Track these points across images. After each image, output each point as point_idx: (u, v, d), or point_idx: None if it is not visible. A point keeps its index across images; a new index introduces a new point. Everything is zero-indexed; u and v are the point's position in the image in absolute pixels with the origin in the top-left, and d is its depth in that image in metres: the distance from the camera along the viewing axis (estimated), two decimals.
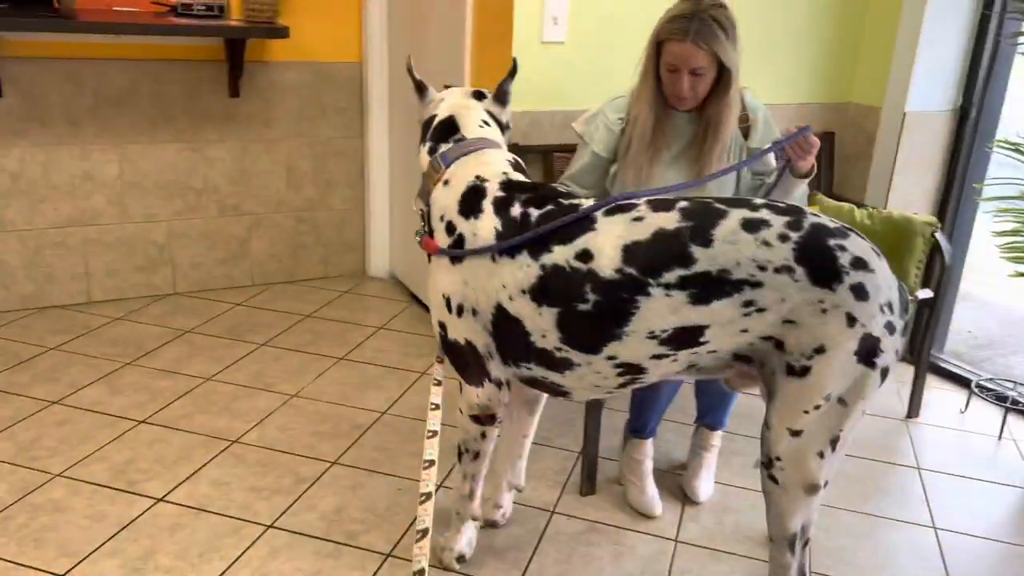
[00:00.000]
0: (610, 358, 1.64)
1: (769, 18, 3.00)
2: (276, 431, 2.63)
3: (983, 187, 2.93)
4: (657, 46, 2.10)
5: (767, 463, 1.65)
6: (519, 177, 1.80)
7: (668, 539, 2.23)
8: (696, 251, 1.52)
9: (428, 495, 1.67)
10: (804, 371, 1.53)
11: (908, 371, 3.13)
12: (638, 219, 1.59)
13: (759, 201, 1.58)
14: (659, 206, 1.61)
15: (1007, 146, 2.63)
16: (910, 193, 3.16)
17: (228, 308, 3.60)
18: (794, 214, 1.54)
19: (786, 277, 1.50)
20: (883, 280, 1.52)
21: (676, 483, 2.47)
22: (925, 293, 2.85)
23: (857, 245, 1.53)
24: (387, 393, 2.92)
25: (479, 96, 1.99)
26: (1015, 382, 3.10)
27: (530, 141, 2.70)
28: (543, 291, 1.63)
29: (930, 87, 3.04)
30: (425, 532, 1.61)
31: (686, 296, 1.53)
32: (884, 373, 1.55)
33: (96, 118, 3.37)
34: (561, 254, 1.62)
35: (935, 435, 2.87)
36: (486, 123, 1.93)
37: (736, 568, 2.13)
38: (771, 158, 2.19)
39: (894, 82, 3.06)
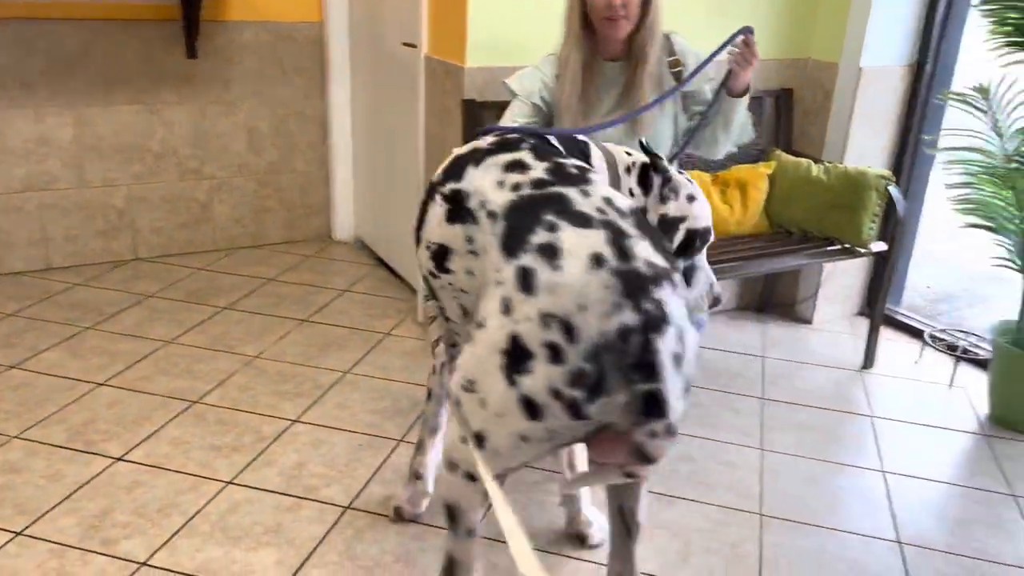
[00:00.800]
0: (421, 272, 1.64)
1: None
2: (237, 391, 2.63)
3: (935, 139, 2.97)
4: None
5: None
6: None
7: None
8: (467, 169, 1.50)
9: None
10: (468, 339, 1.33)
11: (863, 323, 3.19)
12: (482, 139, 1.61)
13: (563, 160, 1.44)
14: (507, 135, 1.61)
15: (955, 97, 2.66)
16: (867, 148, 3.18)
17: (190, 273, 3.57)
18: (561, 178, 1.36)
19: (490, 224, 1.35)
20: (572, 290, 1.19)
21: None
22: (879, 246, 2.89)
23: (573, 238, 1.24)
24: (350, 354, 2.93)
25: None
26: (966, 332, 3.17)
27: (487, 97, 2.69)
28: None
29: (886, 42, 3.06)
30: None
31: (446, 210, 1.49)
32: (526, 405, 1.21)
33: (49, 80, 3.31)
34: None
35: (889, 385, 2.94)
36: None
37: (688, 512, 2.18)
38: (706, 91, 2.20)
39: (850, 37, 3.07)
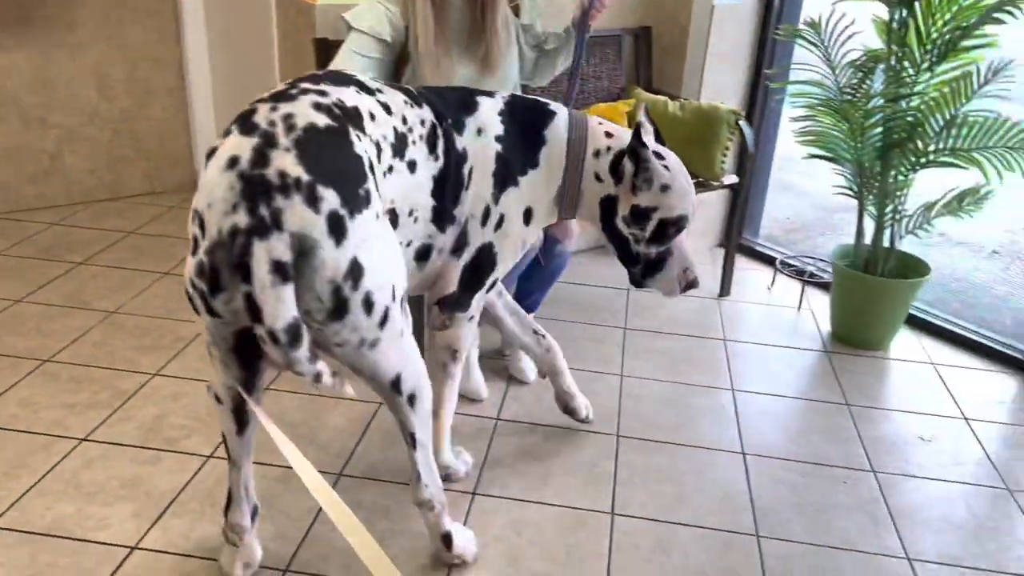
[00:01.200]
0: None
1: None
2: (92, 348, 2.54)
3: (778, 73, 3.09)
4: None
5: None
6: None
7: (490, 418, 2.34)
8: None
9: None
10: None
11: (720, 253, 3.35)
12: None
13: (307, 84, 1.45)
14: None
15: (792, 32, 2.78)
16: (722, 84, 3.30)
17: (43, 228, 3.39)
18: (273, 96, 1.39)
19: None
20: (207, 187, 1.27)
21: (502, 366, 2.57)
22: (731, 179, 3.02)
23: (230, 142, 1.30)
24: None
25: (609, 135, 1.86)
26: (814, 258, 3.37)
27: (340, 36, 2.62)
28: None
29: None
30: None
31: None
32: (187, 294, 1.36)
33: None
34: None
35: (744, 310, 3.11)
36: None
37: (550, 436, 2.27)
38: (537, 25, 2.30)
39: None
